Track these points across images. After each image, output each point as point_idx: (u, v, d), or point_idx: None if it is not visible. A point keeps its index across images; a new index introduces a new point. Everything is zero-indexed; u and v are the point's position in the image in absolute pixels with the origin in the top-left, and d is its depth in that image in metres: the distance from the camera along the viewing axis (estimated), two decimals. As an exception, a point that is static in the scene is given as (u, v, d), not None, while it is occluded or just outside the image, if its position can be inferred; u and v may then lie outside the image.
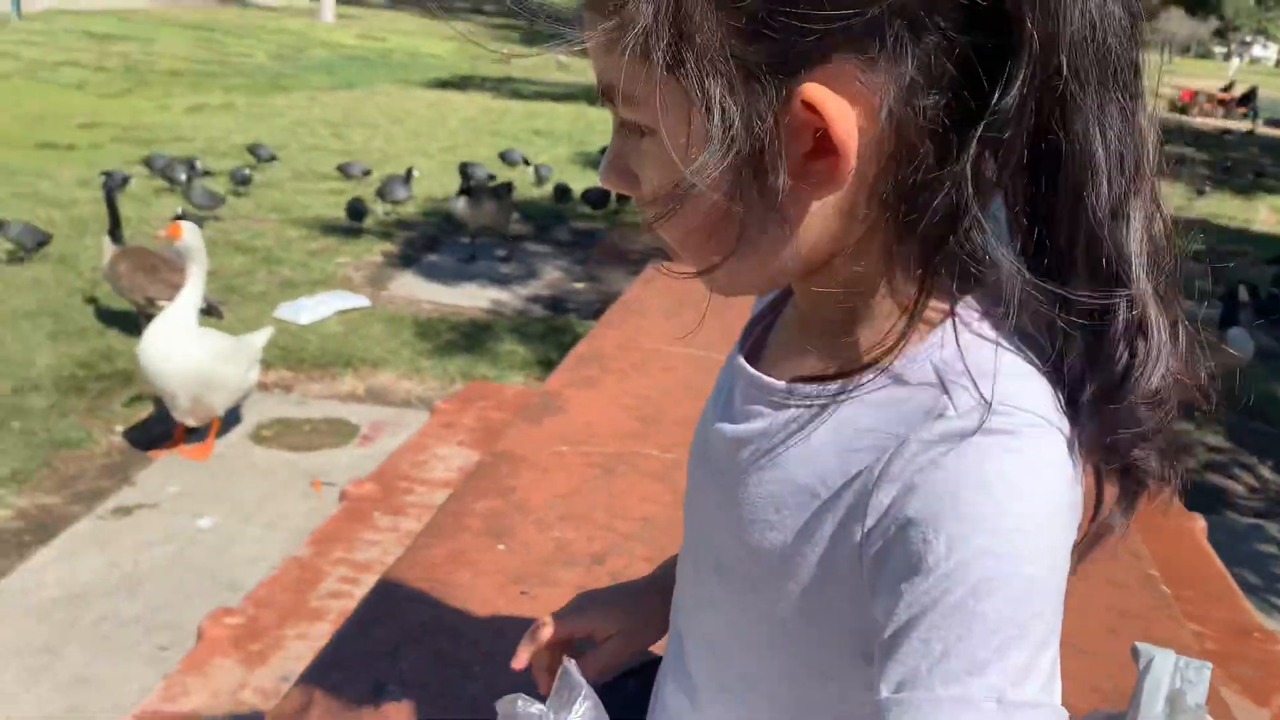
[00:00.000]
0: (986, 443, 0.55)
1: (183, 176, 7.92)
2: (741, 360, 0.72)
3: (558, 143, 12.54)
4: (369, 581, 2.46)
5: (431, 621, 1.50)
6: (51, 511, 3.69)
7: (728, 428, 0.71)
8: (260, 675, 2.15)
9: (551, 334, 5.70)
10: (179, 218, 4.48)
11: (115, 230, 5.22)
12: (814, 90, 0.55)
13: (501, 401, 3.41)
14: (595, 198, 8.18)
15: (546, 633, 0.93)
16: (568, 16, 0.61)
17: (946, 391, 0.58)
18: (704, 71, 0.54)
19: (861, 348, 0.63)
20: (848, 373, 0.62)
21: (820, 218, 0.60)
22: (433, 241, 7.60)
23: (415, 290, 6.42)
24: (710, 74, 0.54)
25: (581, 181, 9.16)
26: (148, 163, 8.51)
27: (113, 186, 5.70)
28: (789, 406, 0.66)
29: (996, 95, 0.54)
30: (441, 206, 8.20)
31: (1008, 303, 0.59)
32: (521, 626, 0.95)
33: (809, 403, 0.64)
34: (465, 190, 6.83)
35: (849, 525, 0.60)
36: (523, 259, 7.30)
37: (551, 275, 7.00)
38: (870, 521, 0.58)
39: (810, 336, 0.68)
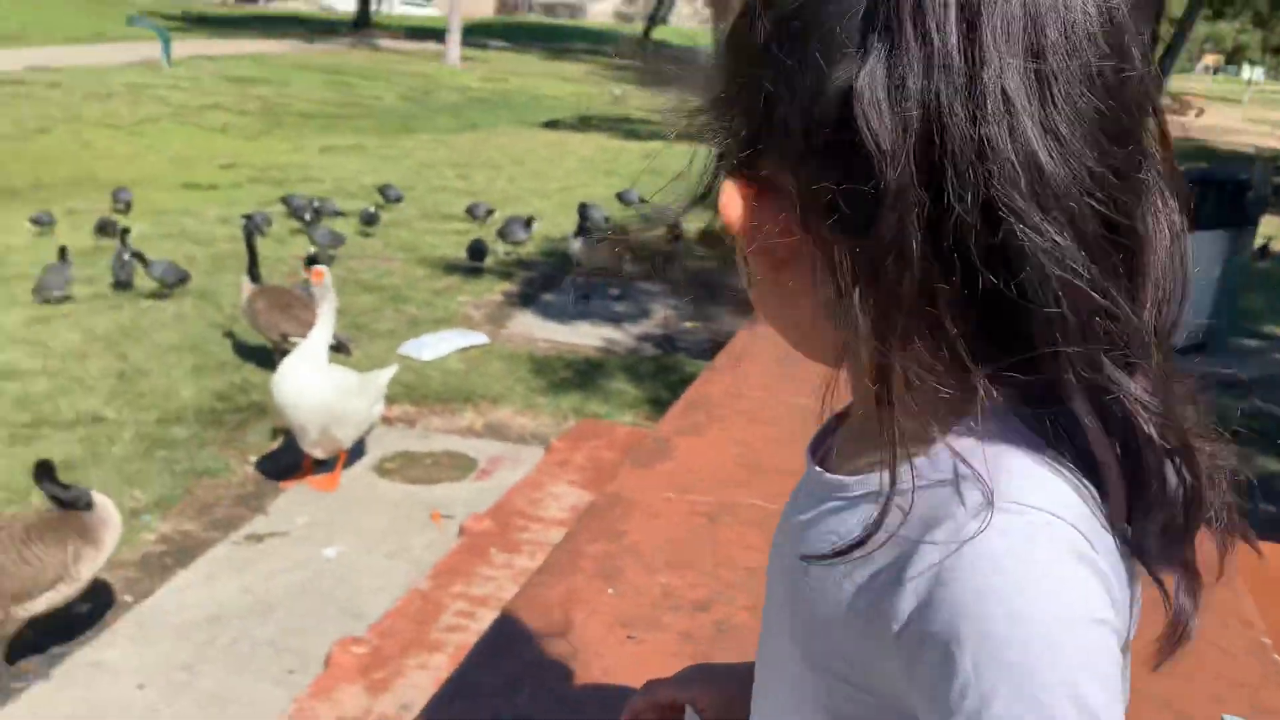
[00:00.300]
0: (995, 547, 0.55)
1: (307, 217, 8.34)
2: (807, 452, 0.76)
3: (674, 183, 12.70)
4: (485, 615, 2.57)
5: (547, 659, 1.58)
6: (192, 537, 3.94)
7: (790, 518, 0.75)
8: (384, 702, 2.27)
9: (661, 373, 5.80)
10: (311, 260, 4.73)
11: (253, 269, 5.55)
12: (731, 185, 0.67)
13: (612, 440, 3.52)
14: (708, 237, 8.26)
15: (662, 695, 1.00)
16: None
17: (958, 488, 0.58)
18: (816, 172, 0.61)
19: (880, 439, 0.62)
20: (877, 467, 0.63)
21: (801, 310, 0.67)
22: (550, 280, 7.81)
23: (532, 328, 6.61)
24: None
25: (695, 220, 9.28)
26: (285, 201, 8.97)
27: (252, 229, 6.04)
28: (831, 499, 0.68)
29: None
30: (559, 246, 8.43)
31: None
32: (628, 669, 1.02)
33: (843, 496, 0.67)
34: (581, 231, 7.02)
35: (882, 626, 0.60)
36: (636, 298, 7.44)
37: (663, 314, 7.11)
38: (895, 627, 0.58)
39: (856, 427, 0.72)
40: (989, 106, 0.54)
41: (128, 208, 8.82)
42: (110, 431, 4.65)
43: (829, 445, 0.77)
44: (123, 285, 6.57)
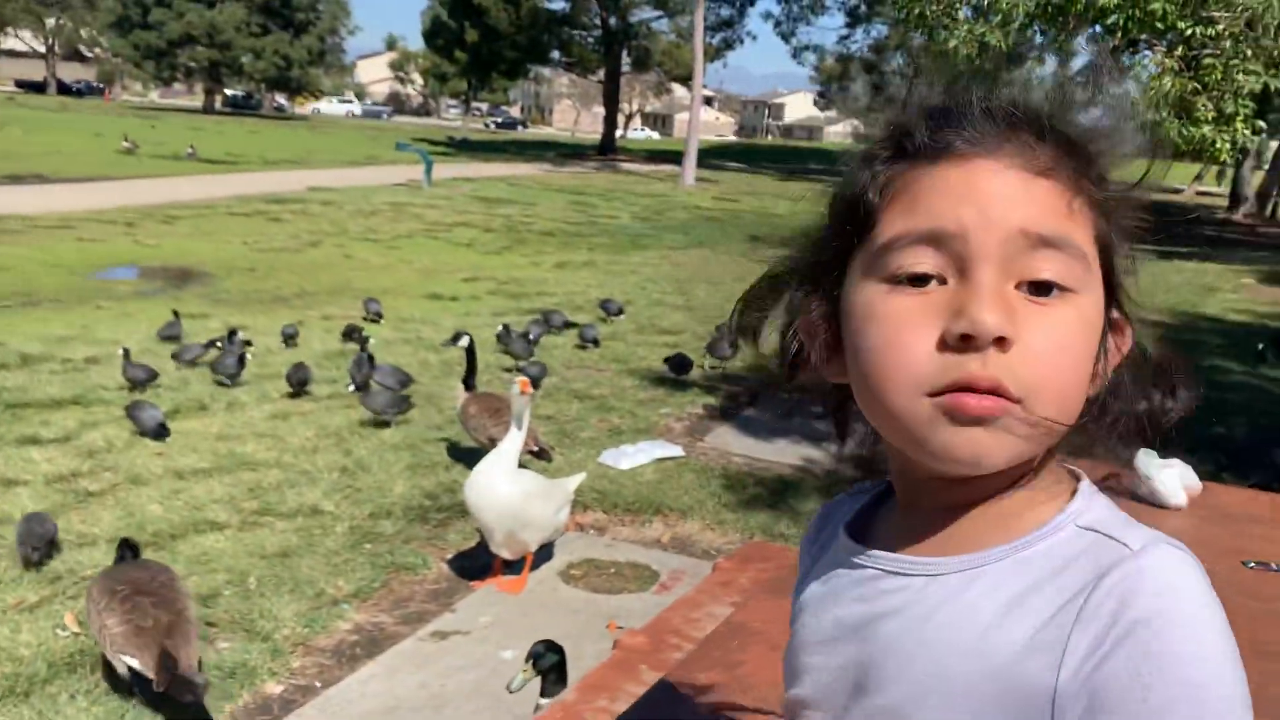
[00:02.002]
0: (1174, 578, 0.68)
1: (524, 332, 8.75)
2: (857, 547, 0.82)
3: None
4: (626, 734, 2.55)
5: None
6: (383, 629, 4.15)
7: (864, 608, 0.78)
8: (512, 812, 2.28)
9: (857, 496, 5.64)
10: (534, 376, 4.98)
11: (470, 379, 5.89)
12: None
13: (782, 563, 3.44)
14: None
15: None
16: None
17: (1113, 538, 0.70)
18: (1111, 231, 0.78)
19: (1000, 523, 0.74)
20: (995, 542, 0.73)
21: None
22: (754, 396, 7.83)
23: (729, 443, 6.64)
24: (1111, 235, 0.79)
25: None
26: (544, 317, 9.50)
27: (472, 341, 6.41)
28: (934, 575, 0.75)
29: None
30: (766, 362, 8.45)
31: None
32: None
33: (961, 568, 0.74)
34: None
35: (1036, 672, 0.68)
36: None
37: (866, 433, 6.94)
38: (1074, 663, 0.66)
39: (943, 518, 0.77)
40: None
41: (378, 317, 9.63)
42: (325, 523, 5.01)
43: (871, 528, 0.85)
44: (359, 387, 7.14)
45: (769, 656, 1.91)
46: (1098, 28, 16.48)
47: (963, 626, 0.71)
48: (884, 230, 0.73)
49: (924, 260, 0.71)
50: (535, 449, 5.51)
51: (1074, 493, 0.75)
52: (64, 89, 71.24)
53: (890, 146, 0.75)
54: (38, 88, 69.43)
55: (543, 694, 3.19)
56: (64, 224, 14.75)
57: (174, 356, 7.47)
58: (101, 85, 77.83)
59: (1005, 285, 0.69)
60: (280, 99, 75.15)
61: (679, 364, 7.78)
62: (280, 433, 6.26)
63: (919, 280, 0.71)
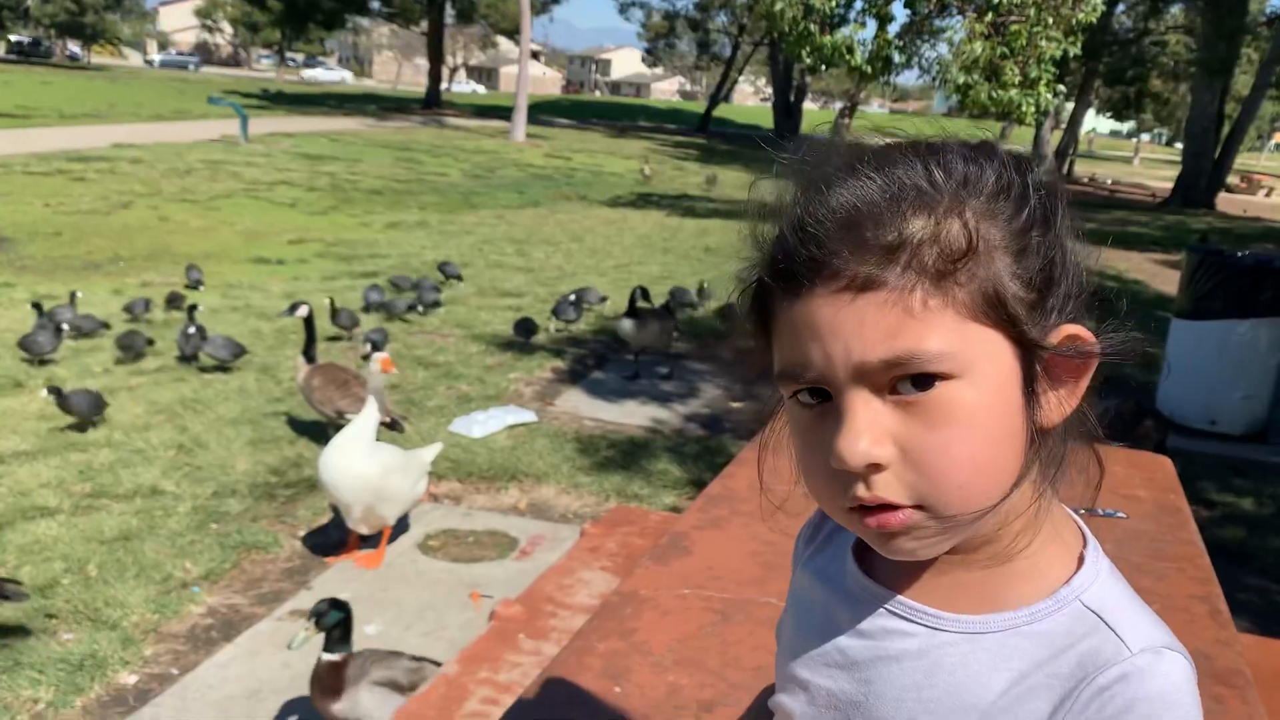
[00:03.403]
0: (1164, 688, 0.68)
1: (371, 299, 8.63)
2: (867, 581, 0.80)
3: (726, 260, 12.84)
4: (509, 703, 2.61)
5: (547, 758, 1.62)
6: (238, 610, 4.04)
7: (865, 645, 0.78)
8: (403, 788, 2.31)
9: (706, 454, 5.84)
10: (375, 347, 4.90)
11: (310, 350, 5.73)
12: (1074, 329, 0.72)
13: (645, 528, 3.56)
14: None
15: None
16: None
17: (1115, 631, 0.70)
18: (994, 310, 0.69)
19: (1006, 582, 0.74)
20: (1001, 605, 0.74)
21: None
22: (600, 359, 7.93)
23: (580, 406, 6.71)
24: (990, 315, 0.70)
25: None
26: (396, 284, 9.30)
27: (310, 311, 6.21)
28: (943, 630, 0.75)
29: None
30: (610, 325, 8.58)
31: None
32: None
33: (969, 630, 0.74)
34: (632, 311, 7.14)
35: None
36: (684, 377, 7.52)
37: (711, 394, 7.17)
38: None
39: (950, 565, 0.75)
40: None
41: (198, 285, 9.18)
42: (166, 504, 4.81)
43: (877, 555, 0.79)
44: (187, 359, 6.82)
45: (662, 621, 2.01)
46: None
47: (964, 696, 0.73)
48: (774, 354, 0.73)
49: (803, 386, 0.70)
50: (388, 420, 5.42)
51: (1081, 558, 0.74)
52: None
53: (757, 277, 0.74)
54: None
55: (326, 650, 3.19)
56: None
57: (24, 345, 6.72)
58: None
59: (873, 401, 0.67)
60: (73, 47, 69.55)
61: (525, 327, 7.78)
62: (108, 410, 5.93)
63: (810, 399, 0.70)
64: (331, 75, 79.30)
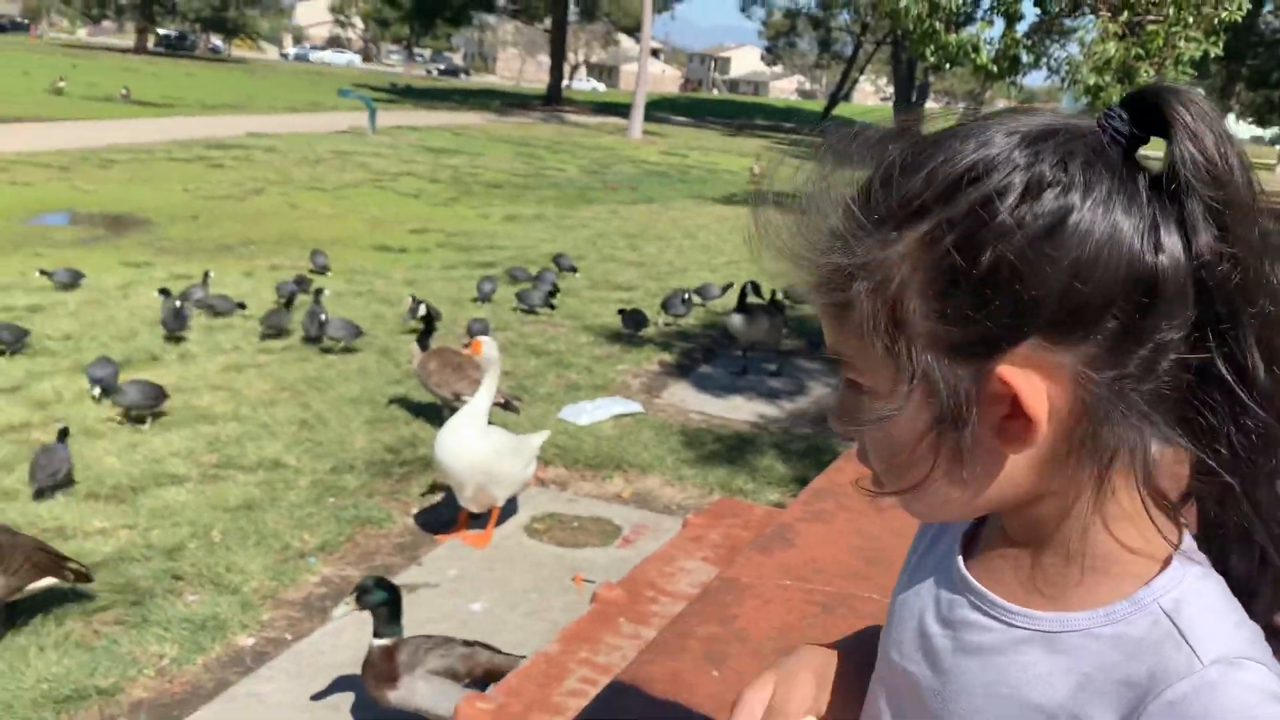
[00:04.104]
0: (1233, 704, 0.63)
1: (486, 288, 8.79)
2: (962, 569, 0.79)
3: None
4: (607, 683, 2.64)
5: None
6: (351, 582, 4.17)
7: (947, 635, 0.78)
8: (502, 759, 2.36)
9: (812, 452, 5.78)
10: (478, 332, 5.00)
11: (425, 337, 5.88)
12: (1007, 371, 0.66)
13: (749, 520, 3.54)
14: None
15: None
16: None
17: (1187, 641, 0.66)
18: (912, 349, 0.68)
19: (1081, 579, 0.71)
20: (1076, 605, 0.71)
21: (1017, 468, 0.70)
22: (708, 353, 7.93)
23: (686, 400, 6.73)
24: (917, 351, 0.68)
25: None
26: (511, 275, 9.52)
27: (428, 305, 6.36)
28: (1017, 627, 0.73)
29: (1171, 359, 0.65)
30: (719, 320, 8.57)
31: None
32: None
33: (1042, 628, 0.72)
34: (741, 307, 7.12)
35: None
36: (792, 374, 7.46)
37: (819, 392, 7.09)
38: None
39: (1028, 558, 0.75)
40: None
41: (324, 270, 9.51)
42: (288, 477, 5.01)
43: (977, 544, 0.80)
44: (312, 340, 7.08)
45: (762, 610, 2.00)
46: (1045, -10, 16.62)
47: (1032, 696, 0.71)
48: None
49: None
50: (501, 401, 5.59)
51: (1169, 559, 0.70)
52: (-14, 24, 68.24)
53: None
54: (-44, 21, 66.45)
55: (375, 634, 3.13)
56: (-6, 166, 14.27)
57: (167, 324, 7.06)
58: (26, 21, 74.63)
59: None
60: (216, 40, 72.85)
61: (634, 319, 7.84)
62: (236, 385, 6.21)
63: None
64: (339, 58, 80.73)
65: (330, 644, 3.72)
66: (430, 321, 6.03)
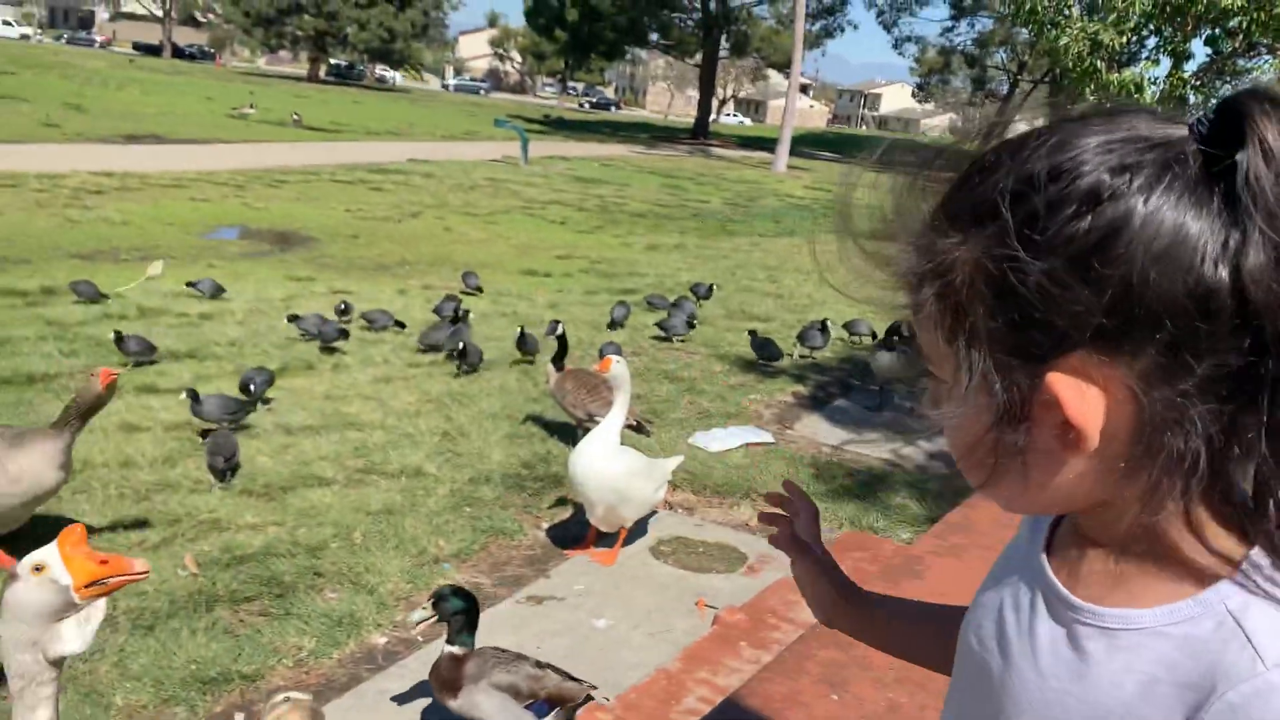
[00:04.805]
0: None
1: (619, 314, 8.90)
2: (1042, 561, 0.80)
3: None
4: (725, 706, 2.64)
5: (758, 750, 1.64)
6: (481, 590, 4.29)
7: (1017, 625, 0.79)
8: (617, 769, 2.38)
9: (948, 494, 5.62)
10: (611, 353, 5.07)
11: (560, 359, 6.01)
12: (1054, 379, 0.67)
13: (877, 555, 3.49)
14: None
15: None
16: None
17: (1252, 643, 0.65)
18: (972, 350, 0.70)
19: (1147, 581, 0.71)
20: (1140, 603, 0.71)
21: (1080, 472, 0.70)
22: (843, 387, 7.83)
23: (819, 432, 6.65)
24: (977, 353, 0.70)
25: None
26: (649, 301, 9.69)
27: (560, 327, 6.41)
28: (1083, 624, 0.74)
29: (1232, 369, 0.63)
30: (856, 354, 8.47)
31: None
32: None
33: (1104, 625, 0.72)
34: (888, 344, 6.98)
35: None
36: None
37: (959, 434, 6.90)
38: None
39: (1100, 556, 0.76)
40: None
41: (477, 290, 9.84)
42: (428, 485, 5.19)
43: (1063, 538, 0.81)
44: (456, 357, 7.32)
45: (885, 637, 1.97)
46: (1217, 29, 15.91)
47: (1093, 692, 0.71)
48: None
49: None
50: (633, 424, 5.68)
51: (1243, 559, 0.69)
52: (178, 53, 73.45)
53: None
54: (154, 51, 71.75)
55: (448, 641, 3.16)
56: (177, 184, 15.31)
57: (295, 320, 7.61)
58: (212, 50, 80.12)
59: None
60: (381, 70, 76.47)
61: (765, 349, 7.81)
62: (384, 396, 6.47)
63: None
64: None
65: (458, 648, 3.82)
66: (564, 343, 6.16)
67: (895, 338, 7.01)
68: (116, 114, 25.89)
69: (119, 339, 6.50)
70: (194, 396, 5.45)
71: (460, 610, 3.16)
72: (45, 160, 15.96)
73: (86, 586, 1.51)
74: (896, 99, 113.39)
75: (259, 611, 3.91)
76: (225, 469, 4.91)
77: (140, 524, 4.48)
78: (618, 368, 4.68)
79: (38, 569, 1.51)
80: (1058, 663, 0.74)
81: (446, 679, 3.13)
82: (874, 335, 9.03)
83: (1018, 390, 0.68)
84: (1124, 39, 14.86)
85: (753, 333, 8.03)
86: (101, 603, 1.56)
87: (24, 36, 66.19)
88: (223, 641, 3.68)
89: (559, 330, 6.23)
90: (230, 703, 3.41)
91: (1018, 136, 0.72)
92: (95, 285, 8.12)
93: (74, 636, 1.54)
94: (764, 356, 7.85)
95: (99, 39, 78.62)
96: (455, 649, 3.14)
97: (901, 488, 5.72)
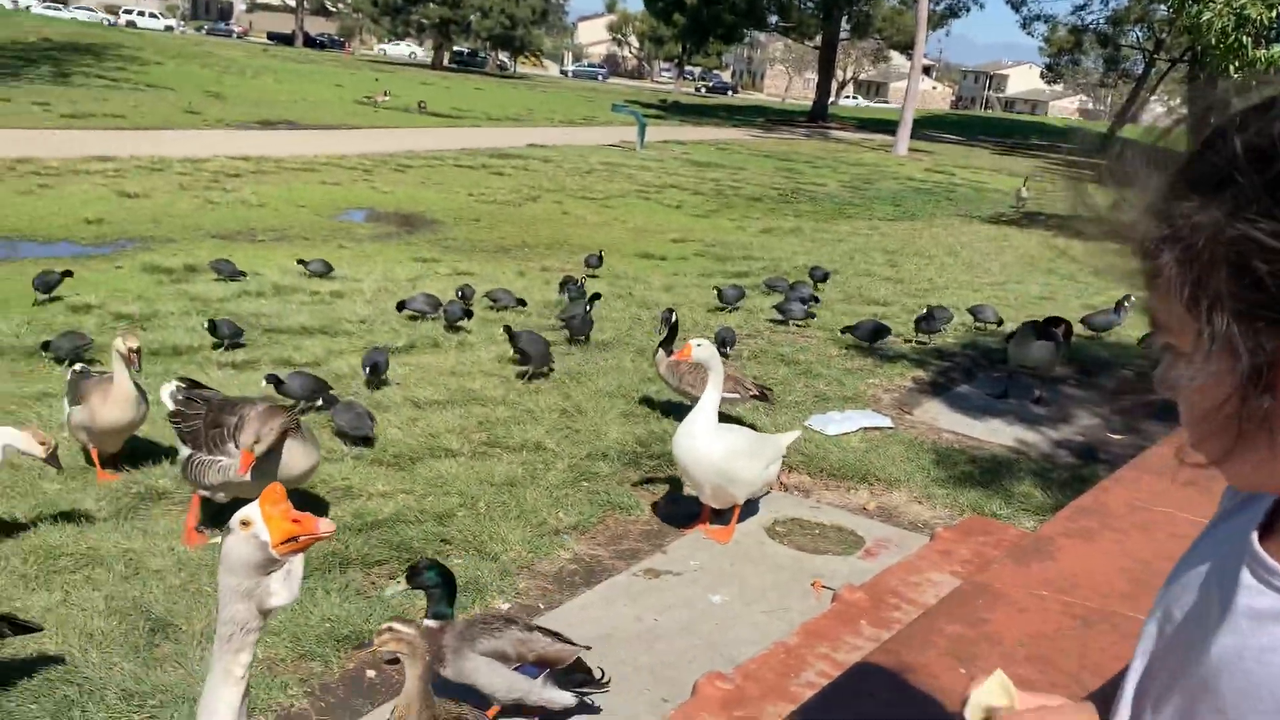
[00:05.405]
0: None
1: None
2: (1254, 539, 0.79)
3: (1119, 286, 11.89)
4: (844, 681, 2.64)
5: (882, 718, 1.65)
6: (600, 561, 4.38)
7: (1220, 594, 0.79)
8: (736, 737, 2.41)
9: (1075, 483, 5.47)
10: (727, 339, 5.06)
11: (668, 343, 6.03)
12: None
13: (1001, 540, 3.43)
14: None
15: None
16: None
17: None
18: (1214, 314, 0.70)
19: None
20: None
21: None
22: (966, 373, 7.67)
23: (939, 418, 6.54)
24: (1219, 317, 0.70)
25: (1137, 328, 8.68)
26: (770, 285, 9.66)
27: (671, 315, 6.47)
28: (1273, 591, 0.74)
29: None
30: (980, 339, 8.28)
31: None
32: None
33: None
34: (1046, 333, 6.74)
35: None
36: (1058, 401, 7.08)
37: (1086, 422, 6.69)
38: None
39: None
40: None
41: (597, 266, 9.97)
42: (547, 459, 5.30)
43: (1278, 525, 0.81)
44: (576, 338, 7.45)
45: (1016, 617, 1.95)
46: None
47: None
48: None
49: None
50: (755, 393, 5.77)
51: None
52: (309, 42, 76.02)
53: None
54: (286, 40, 74.36)
55: (428, 614, 3.17)
56: (309, 167, 15.90)
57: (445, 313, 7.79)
58: (342, 39, 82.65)
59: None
60: (503, 57, 77.70)
61: (873, 331, 7.70)
62: (506, 373, 6.63)
63: None
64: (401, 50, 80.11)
65: (578, 616, 3.91)
66: (675, 328, 6.19)
67: (1053, 328, 6.78)
68: (252, 101, 27.00)
69: (212, 325, 6.66)
70: (275, 381, 5.61)
71: (435, 584, 3.17)
72: (188, 145, 16.77)
73: (283, 543, 1.61)
74: (1024, 80, 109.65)
75: (389, 575, 4.06)
76: (359, 436, 5.12)
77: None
78: (699, 351, 4.68)
79: (245, 524, 1.62)
80: (1256, 640, 0.73)
81: (430, 651, 3.17)
82: (1000, 322, 8.81)
83: (1264, 353, 0.68)
84: (1273, 13, 14.08)
85: (868, 328, 7.87)
86: (300, 558, 1.65)
87: (168, 28, 69.42)
88: (355, 602, 3.84)
89: (673, 319, 6.24)
90: (362, 660, 3.56)
91: (1260, 102, 0.71)
92: (234, 263, 8.52)
93: (281, 590, 1.65)
94: (867, 337, 7.74)
95: (236, 29, 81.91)
96: (431, 622, 3.15)
97: (1026, 476, 5.58)
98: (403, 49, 78.67)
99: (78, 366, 4.92)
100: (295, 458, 4.11)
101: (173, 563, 3.96)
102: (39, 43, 33.64)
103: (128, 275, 8.47)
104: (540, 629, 3.26)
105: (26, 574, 3.77)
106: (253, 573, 1.64)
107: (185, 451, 4.21)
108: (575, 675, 3.19)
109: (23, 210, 10.76)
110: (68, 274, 7.57)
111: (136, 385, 4.63)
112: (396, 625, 2.63)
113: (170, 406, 4.35)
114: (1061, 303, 10.28)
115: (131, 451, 4.88)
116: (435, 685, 3.31)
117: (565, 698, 3.21)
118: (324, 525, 1.62)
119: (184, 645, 3.43)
